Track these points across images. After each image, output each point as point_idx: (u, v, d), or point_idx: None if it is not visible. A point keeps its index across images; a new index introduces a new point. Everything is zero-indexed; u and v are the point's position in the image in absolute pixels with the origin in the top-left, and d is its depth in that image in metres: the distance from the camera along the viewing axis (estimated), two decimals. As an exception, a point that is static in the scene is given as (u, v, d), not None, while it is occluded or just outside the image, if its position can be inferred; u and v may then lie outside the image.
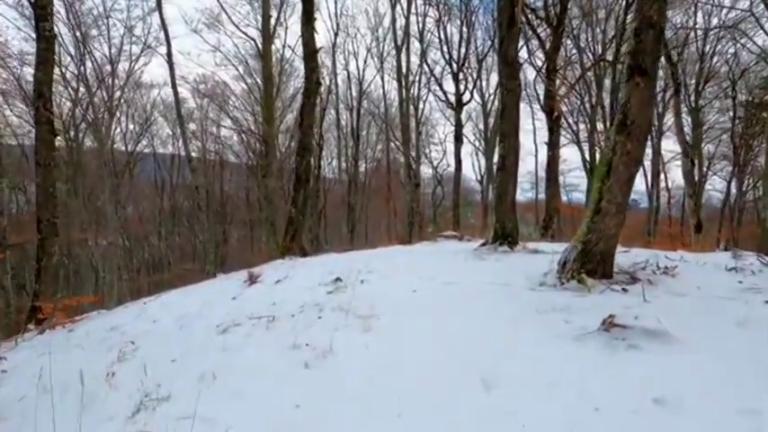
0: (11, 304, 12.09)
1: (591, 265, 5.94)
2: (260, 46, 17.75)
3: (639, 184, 32.99)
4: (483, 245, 10.15)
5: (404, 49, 20.28)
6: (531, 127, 31.10)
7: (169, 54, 15.99)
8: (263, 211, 19.96)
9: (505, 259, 8.14)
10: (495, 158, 28.75)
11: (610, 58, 27.04)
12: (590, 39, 28.94)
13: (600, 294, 5.32)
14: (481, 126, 32.11)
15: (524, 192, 41.72)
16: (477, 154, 34.00)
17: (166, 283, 31.20)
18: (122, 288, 34.68)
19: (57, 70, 25.22)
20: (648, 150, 31.52)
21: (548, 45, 18.40)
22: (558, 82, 18.08)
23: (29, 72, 24.65)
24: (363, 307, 5.17)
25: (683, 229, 29.86)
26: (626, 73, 5.87)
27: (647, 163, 31.68)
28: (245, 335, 4.84)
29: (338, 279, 6.74)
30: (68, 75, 25.80)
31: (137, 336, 5.88)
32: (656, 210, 32.17)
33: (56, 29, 24.41)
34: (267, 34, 16.79)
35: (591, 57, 28.53)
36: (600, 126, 30.38)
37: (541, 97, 21.09)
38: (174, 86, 16.00)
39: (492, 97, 29.64)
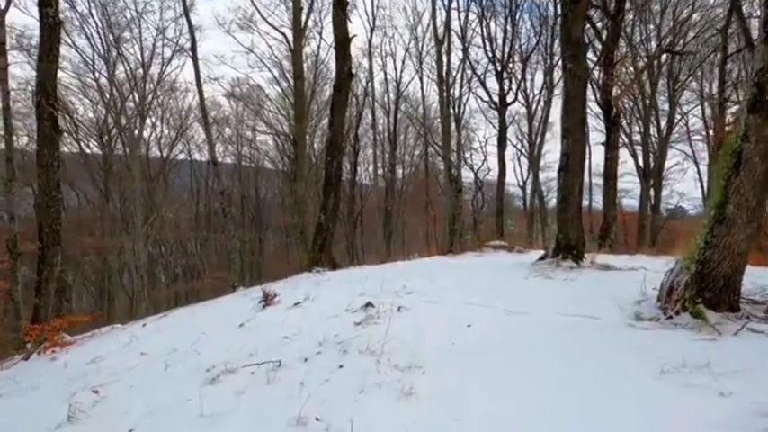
0: (21, 317, 11.10)
1: (711, 292, 4.35)
2: (291, 42, 16.68)
3: (695, 189, 30.44)
4: (542, 258, 8.59)
5: (444, 45, 18.88)
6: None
7: (193, 50, 15.05)
8: (294, 218, 18.79)
9: (576, 278, 6.57)
10: (542, 162, 27.00)
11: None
12: (643, 35, 26.73)
13: (736, 338, 3.74)
14: (524, 129, 30.23)
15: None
16: (519, 159, 32.02)
17: (196, 293, 30.53)
18: (156, 296, 34.33)
19: (90, 75, 24.90)
20: (704, 154, 29.15)
21: (604, 36, 16.66)
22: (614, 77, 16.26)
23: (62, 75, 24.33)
24: (401, 351, 3.75)
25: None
26: (762, 29, 4.29)
27: (703, 167, 29.28)
28: (237, 391, 3.47)
29: (369, 304, 5.32)
30: (102, 80, 25.43)
31: (112, 376, 4.64)
32: None
33: (88, 30, 24.12)
34: (298, 29, 15.65)
35: (644, 54, 26.33)
36: (653, 130, 28.26)
37: (597, 93, 19.21)
38: (198, 85, 15.03)
39: (537, 97, 27.86)
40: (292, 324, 5.16)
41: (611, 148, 15.54)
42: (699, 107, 29.01)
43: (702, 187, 29.33)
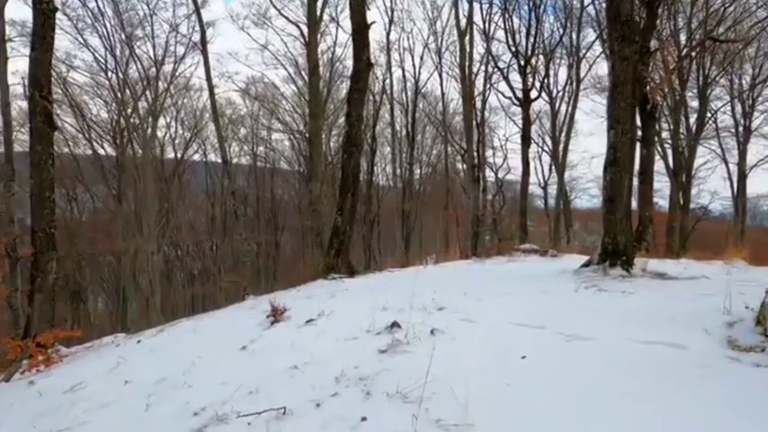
0: (20, 326, 10.42)
1: (836, 317, 3.41)
2: (306, 34, 15.84)
3: (723, 189, 29.03)
4: (586, 265, 7.65)
5: (467, 36, 17.88)
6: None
7: (203, 44, 14.30)
8: (309, 221, 17.89)
9: (635, 291, 5.60)
10: (566, 161, 25.72)
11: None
12: (671, 29, 25.38)
13: None
14: (546, 126, 29.10)
15: (593, 198, 37.92)
16: (540, 157, 30.82)
17: (212, 297, 29.95)
18: (174, 298, 33.85)
19: (102, 74, 24.40)
20: (735, 151, 27.76)
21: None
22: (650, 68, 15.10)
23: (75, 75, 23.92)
24: (442, 397, 2.86)
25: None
26: None
27: (733, 166, 27.93)
28: (225, 455, 2.62)
29: (395, 324, 4.44)
30: (115, 79, 24.87)
31: (85, 414, 3.85)
32: (742, 220, 27.84)
33: (100, 29, 23.59)
34: (313, 20, 14.80)
35: (673, 49, 24.97)
36: (682, 127, 26.97)
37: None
38: (208, 80, 14.28)
39: (561, 94, 26.76)
40: (303, 348, 4.30)
41: (647, 143, 14.43)
42: (728, 104, 27.70)
43: (732, 187, 28.00)
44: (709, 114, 27.27)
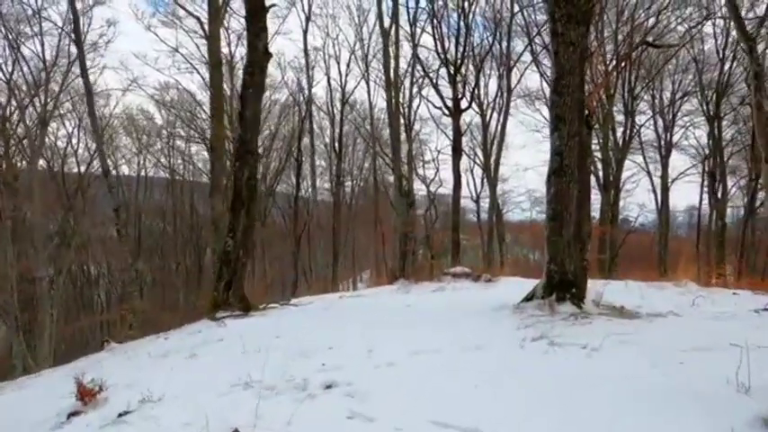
0: None
1: None
2: (206, 26, 13.78)
3: (649, 202, 29.34)
4: (528, 299, 6.15)
5: (391, 32, 16.37)
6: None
7: (76, 31, 11.96)
8: (212, 242, 15.42)
9: (600, 346, 4.00)
10: (501, 172, 24.74)
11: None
12: (598, 39, 25.16)
13: None
14: (478, 138, 28.17)
15: (524, 211, 37.47)
16: (472, 170, 29.91)
17: (115, 324, 26.80)
18: (84, 322, 30.18)
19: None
20: (658, 165, 28.04)
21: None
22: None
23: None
24: None
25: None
26: None
27: (657, 179, 28.22)
28: None
29: (235, 437, 2.65)
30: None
31: None
32: (665, 233, 27.97)
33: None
34: (214, 8, 12.78)
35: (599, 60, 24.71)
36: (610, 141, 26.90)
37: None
38: (83, 75, 11.89)
39: (492, 104, 25.89)
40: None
41: (584, 153, 13.43)
42: (651, 119, 28.07)
43: (657, 199, 28.23)
44: (636, 128, 27.53)
